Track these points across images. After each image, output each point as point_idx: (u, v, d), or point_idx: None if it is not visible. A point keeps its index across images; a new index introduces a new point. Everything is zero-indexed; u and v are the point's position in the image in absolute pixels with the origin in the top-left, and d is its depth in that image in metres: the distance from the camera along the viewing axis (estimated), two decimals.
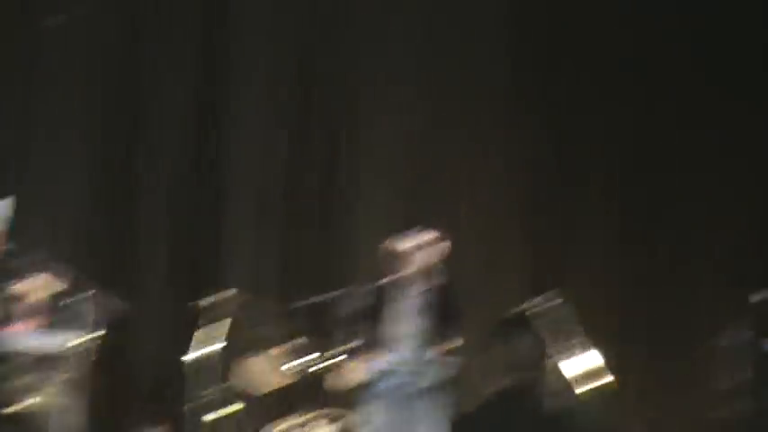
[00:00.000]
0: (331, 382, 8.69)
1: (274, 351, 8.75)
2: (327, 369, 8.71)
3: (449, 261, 9.51)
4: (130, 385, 9.72)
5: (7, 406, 7.61)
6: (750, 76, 10.74)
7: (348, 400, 8.37)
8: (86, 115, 9.81)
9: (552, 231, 10.71)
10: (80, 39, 9.72)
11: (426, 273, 8.03)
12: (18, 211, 9.11)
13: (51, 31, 9.37)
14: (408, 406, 7.75)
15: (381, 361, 7.90)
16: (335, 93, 10.33)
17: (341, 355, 8.46)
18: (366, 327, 8.15)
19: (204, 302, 8.78)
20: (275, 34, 10.26)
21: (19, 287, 8.46)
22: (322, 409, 9.02)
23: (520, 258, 10.58)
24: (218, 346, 8.73)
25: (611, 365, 7.43)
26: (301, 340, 8.96)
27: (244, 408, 8.84)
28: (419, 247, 8.05)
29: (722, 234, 10.71)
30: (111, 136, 9.87)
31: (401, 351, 7.95)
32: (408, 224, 8.78)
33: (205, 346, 8.63)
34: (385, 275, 8.12)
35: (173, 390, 9.62)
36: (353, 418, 8.41)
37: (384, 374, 7.82)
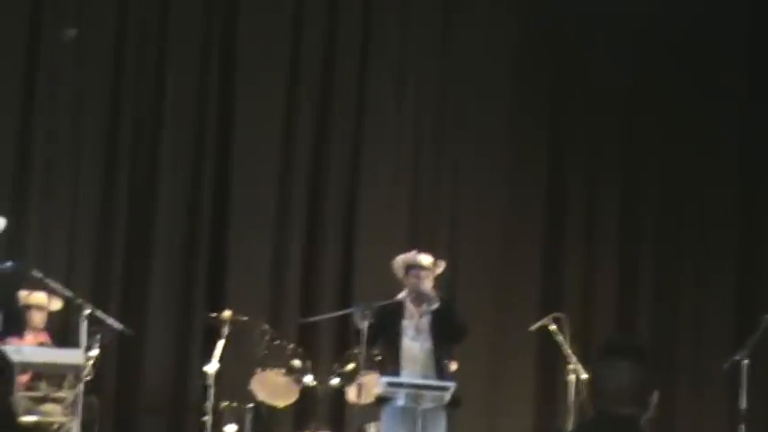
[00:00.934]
0: (346, 397, 8.68)
1: (288, 366, 8.74)
2: (340, 385, 8.70)
3: (451, 281, 9.57)
4: (132, 400, 9.65)
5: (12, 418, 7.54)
6: None
7: (361, 415, 8.33)
8: (97, 135, 9.77)
9: (560, 256, 10.70)
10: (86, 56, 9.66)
11: (433, 291, 8.01)
12: (22, 227, 9.12)
13: (65, 45, 9.33)
14: (418, 422, 7.70)
15: (392, 378, 7.86)
16: (344, 121, 10.33)
17: (352, 372, 8.47)
18: (376, 344, 8.13)
19: (220, 317, 8.79)
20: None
21: (23, 300, 8.46)
22: (330, 426, 9.03)
23: (530, 280, 10.55)
24: (234, 360, 8.79)
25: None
26: (312, 356, 8.97)
27: (259, 421, 8.83)
28: (426, 267, 8.03)
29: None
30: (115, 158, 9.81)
31: (411, 368, 7.92)
32: (413, 244, 8.85)
33: (221, 359, 8.62)
34: (395, 293, 8.10)
35: (180, 404, 9.59)
36: None
37: (394, 391, 7.76)
